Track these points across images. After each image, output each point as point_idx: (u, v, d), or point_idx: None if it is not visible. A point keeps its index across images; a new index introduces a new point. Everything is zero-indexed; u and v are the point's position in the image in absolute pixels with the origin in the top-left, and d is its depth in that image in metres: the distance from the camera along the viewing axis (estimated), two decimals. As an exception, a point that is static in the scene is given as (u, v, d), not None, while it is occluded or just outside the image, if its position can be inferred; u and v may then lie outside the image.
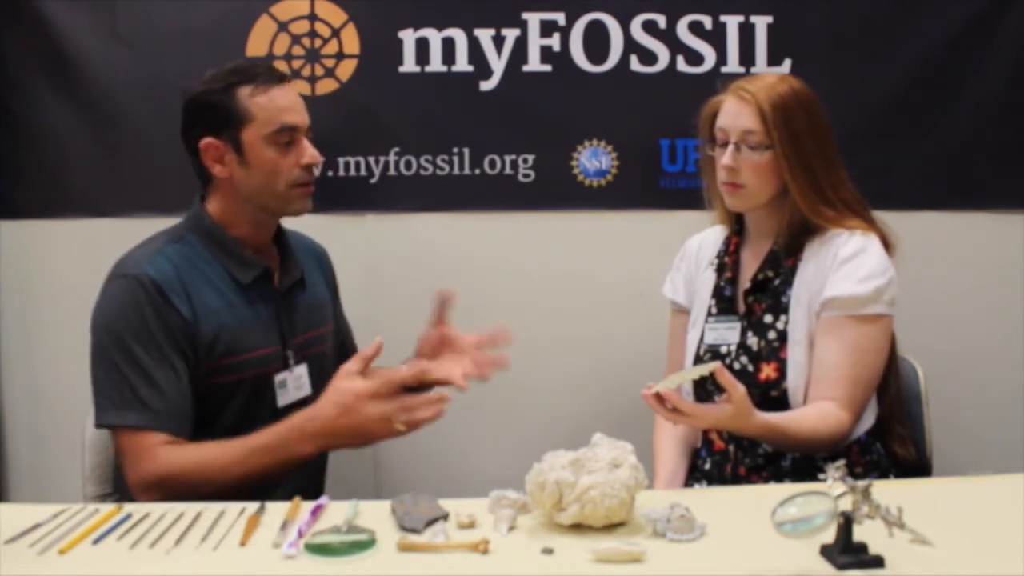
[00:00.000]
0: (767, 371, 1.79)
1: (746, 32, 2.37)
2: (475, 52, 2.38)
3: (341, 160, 2.40)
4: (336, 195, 2.37)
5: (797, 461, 1.77)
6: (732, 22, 2.37)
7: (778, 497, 1.21)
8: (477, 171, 2.41)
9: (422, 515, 1.39)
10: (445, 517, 1.41)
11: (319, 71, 2.38)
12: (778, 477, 1.78)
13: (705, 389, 1.83)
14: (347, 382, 1.63)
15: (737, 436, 1.81)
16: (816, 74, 2.16)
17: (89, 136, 2.39)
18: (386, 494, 1.59)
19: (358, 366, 1.64)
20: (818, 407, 1.73)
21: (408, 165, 2.41)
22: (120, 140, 2.38)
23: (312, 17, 2.38)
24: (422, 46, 2.37)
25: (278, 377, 1.80)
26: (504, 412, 2.42)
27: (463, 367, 1.79)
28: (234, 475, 1.62)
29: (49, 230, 2.43)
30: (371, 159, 2.40)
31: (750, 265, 1.89)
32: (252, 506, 1.47)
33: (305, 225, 2.01)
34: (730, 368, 1.79)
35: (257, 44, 2.37)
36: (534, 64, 2.38)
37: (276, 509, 1.47)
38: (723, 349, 1.85)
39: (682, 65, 2.37)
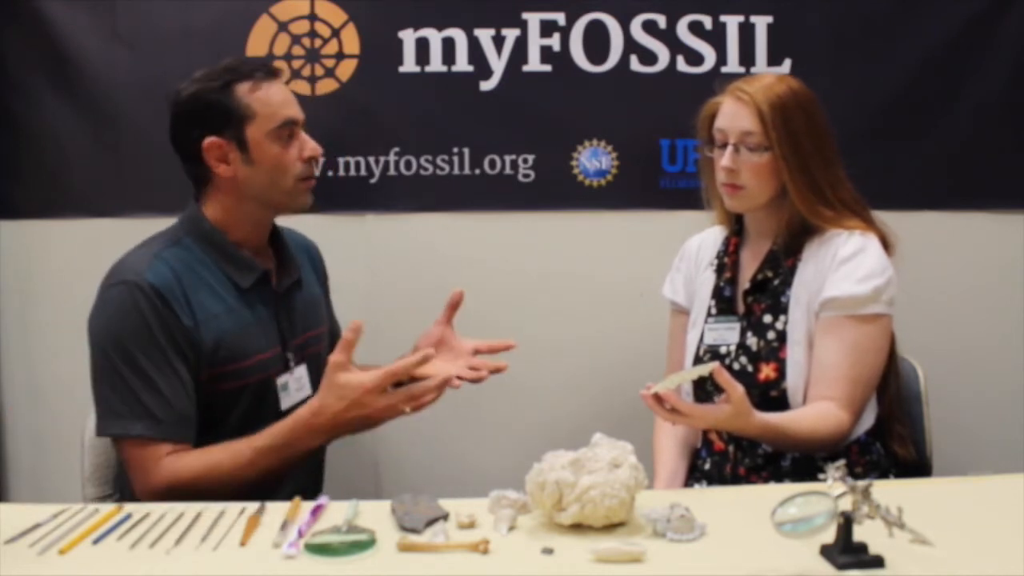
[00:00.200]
0: (766, 371, 1.79)
1: (746, 32, 2.37)
2: (475, 52, 2.37)
3: (341, 160, 2.40)
4: (336, 195, 2.37)
5: (797, 461, 1.78)
6: (732, 22, 2.37)
7: (778, 497, 1.21)
8: (477, 171, 2.41)
9: (422, 515, 1.39)
10: (445, 517, 1.41)
11: (319, 71, 2.38)
12: (778, 477, 1.78)
13: (704, 389, 1.83)
14: (349, 376, 1.61)
15: (737, 436, 1.81)
16: (816, 74, 2.16)
17: (89, 136, 2.38)
18: (386, 494, 1.59)
19: (346, 355, 1.62)
20: (817, 407, 1.73)
21: (408, 165, 2.41)
22: (120, 140, 2.38)
23: (312, 17, 2.38)
24: (422, 46, 2.37)
25: (280, 380, 1.79)
26: (504, 412, 2.42)
27: (456, 369, 1.78)
28: (244, 477, 1.62)
29: (49, 230, 2.43)
30: (371, 159, 2.40)
31: (749, 265, 1.89)
32: (252, 506, 1.47)
33: (305, 225, 2.01)
34: (729, 368, 1.79)
35: (257, 44, 2.37)
36: (534, 64, 2.38)
37: (276, 509, 1.47)
38: (723, 349, 1.85)
39: (682, 65, 2.37)
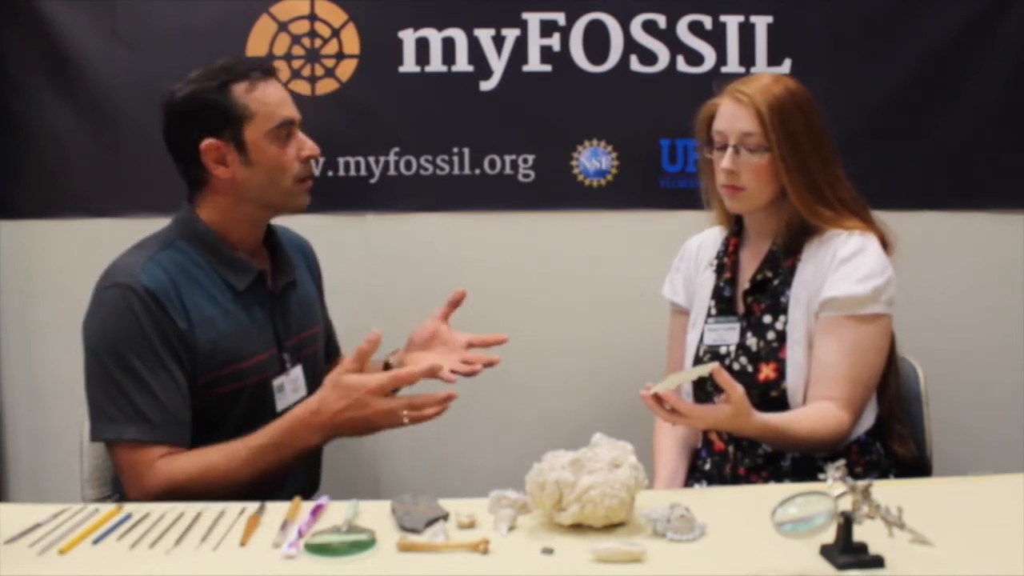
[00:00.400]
0: (766, 371, 1.79)
1: (746, 32, 2.37)
2: (475, 52, 2.38)
3: (341, 160, 2.40)
4: (336, 195, 2.37)
5: (797, 461, 1.77)
6: (732, 22, 2.37)
7: (778, 497, 1.21)
8: (477, 171, 2.41)
9: (422, 515, 1.39)
10: (445, 517, 1.41)
11: (319, 71, 2.38)
12: (778, 477, 1.78)
13: (704, 390, 1.83)
14: (354, 377, 1.61)
15: (737, 437, 1.81)
16: (816, 74, 2.17)
17: (89, 136, 2.39)
18: (386, 494, 1.59)
19: (359, 365, 1.62)
20: (817, 407, 1.73)
21: (408, 165, 2.41)
22: (120, 140, 2.38)
23: (312, 17, 2.38)
24: (422, 46, 2.37)
25: (276, 382, 1.78)
26: (504, 412, 2.42)
27: (450, 363, 1.76)
28: (240, 477, 1.61)
29: (49, 230, 2.43)
30: (371, 159, 2.40)
31: (749, 266, 1.89)
32: (252, 506, 1.47)
33: (305, 225, 2.01)
34: (729, 369, 1.79)
35: (257, 44, 2.37)
36: (534, 64, 2.38)
37: (276, 509, 1.46)
38: (722, 350, 1.85)
39: (682, 65, 2.37)
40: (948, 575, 1.22)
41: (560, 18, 2.37)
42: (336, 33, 2.38)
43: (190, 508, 1.48)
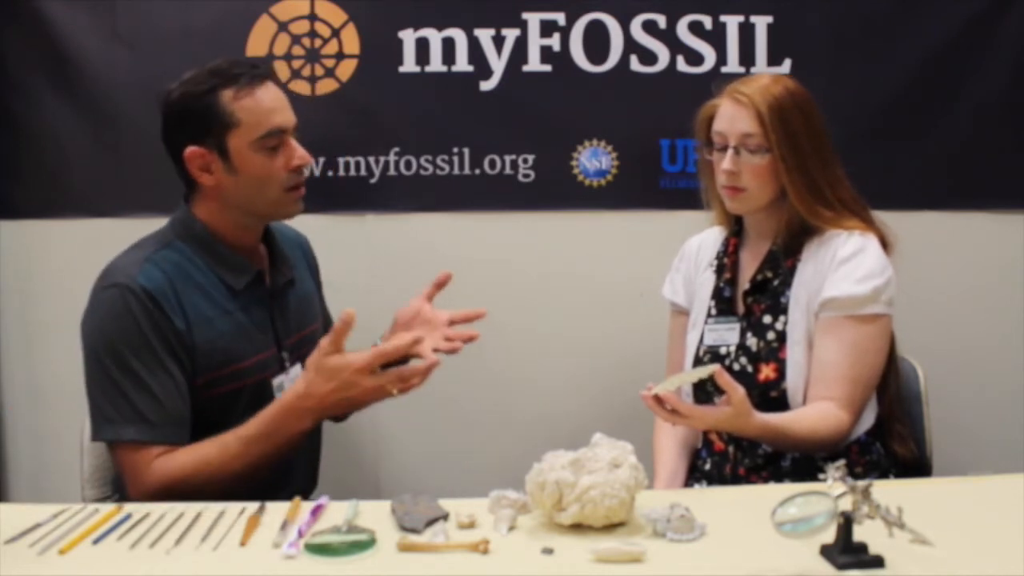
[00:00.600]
0: (766, 372, 1.79)
1: (746, 32, 2.37)
2: (475, 52, 2.37)
3: (341, 160, 2.40)
4: (336, 195, 2.37)
5: (797, 461, 1.78)
6: (732, 22, 2.37)
7: (778, 497, 1.21)
8: (477, 171, 2.41)
9: (422, 515, 1.39)
10: (445, 517, 1.41)
11: (319, 71, 2.38)
12: (778, 477, 1.78)
13: (705, 390, 1.83)
14: (338, 358, 1.61)
15: (737, 437, 1.81)
16: (816, 74, 2.17)
17: (89, 136, 2.38)
18: (386, 494, 1.59)
19: (336, 346, 1.61)
20: (817, 407, 1.73)
21: (408, 165, 2.41)
22: (120, 140, 2.38)
23: (312, 17, 2.38)
24: (422, 46, 2.37)
25: (275, 381, 1.77)
26: (504, 412, 2.42)
27: (432, 340, 1.76)
28: (236, 468, 1.61)
29: (49, 230, 2.43)
30: (371, 159, 2.40)
31: (749, 266, 1.89)
32: (252, 506, 1.47)
33: (305, 225, 2.01)
34: (729, 369, 1.79)
35: (257, 44, 2.36)
36: (534, 64, 2.38)
37: (276, 509, 1.46)
38: (722, 350, 1.85)
39: (682, 65, 2.37)
40: (948, 575, 1.22)
41: (560, 18, 2.37)
42: (336, 33, 2.38)
43: (190, 508, 1.48)
